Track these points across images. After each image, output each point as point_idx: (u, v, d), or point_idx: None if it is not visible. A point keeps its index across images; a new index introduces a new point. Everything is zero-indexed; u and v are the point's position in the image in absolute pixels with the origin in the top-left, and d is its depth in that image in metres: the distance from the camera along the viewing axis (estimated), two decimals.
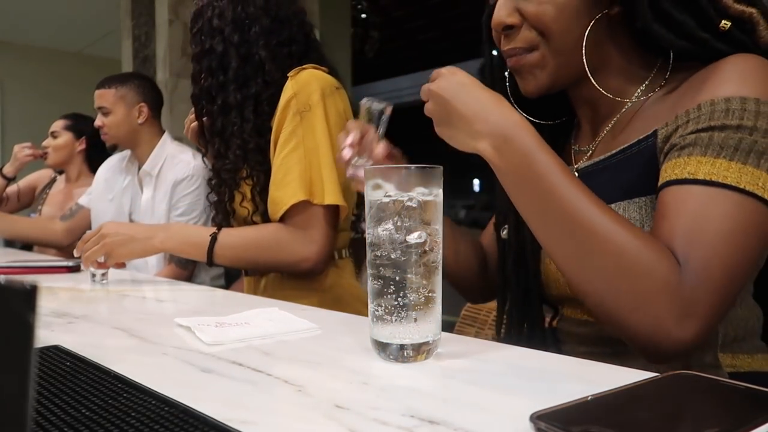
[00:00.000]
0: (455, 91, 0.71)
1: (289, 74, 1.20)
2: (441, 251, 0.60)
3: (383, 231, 0.58)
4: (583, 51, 0.75)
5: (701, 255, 0.62)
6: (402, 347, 0.59)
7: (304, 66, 1.21)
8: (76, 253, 1.23)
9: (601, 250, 0.63)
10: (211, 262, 1.19)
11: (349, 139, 0.83)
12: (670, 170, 0.68)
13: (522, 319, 0.89)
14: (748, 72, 0.68)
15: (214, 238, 1.18)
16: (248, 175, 1.24)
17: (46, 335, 0.76)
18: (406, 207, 0.57)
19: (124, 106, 1.99)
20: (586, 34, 0.75)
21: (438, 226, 0.60)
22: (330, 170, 1.15)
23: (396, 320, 0.58)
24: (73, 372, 0.58)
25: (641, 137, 0.75)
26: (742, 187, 0.63)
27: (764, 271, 0.78)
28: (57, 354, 0.65)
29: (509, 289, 0.91)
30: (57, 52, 6.04)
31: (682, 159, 0.67)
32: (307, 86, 1.18)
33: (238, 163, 1.24)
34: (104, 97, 1.99)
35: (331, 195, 1.15)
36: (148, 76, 2.57)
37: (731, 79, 0.68)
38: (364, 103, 1.18)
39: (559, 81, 0.79)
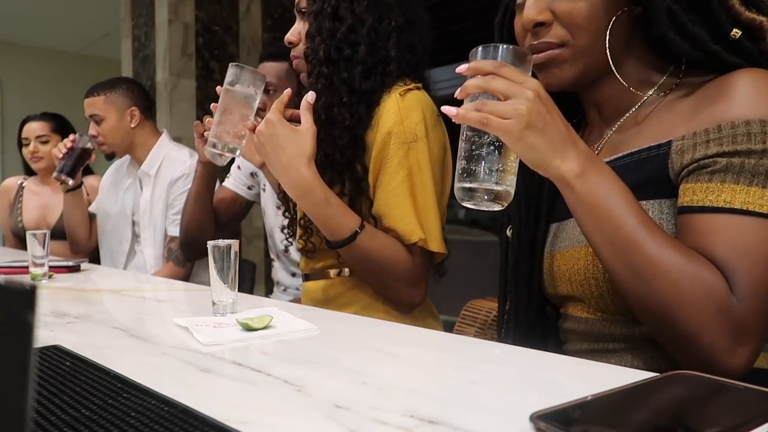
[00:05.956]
0: (553, 105, 0.68)
1: (399, 91, 1.08)
2: None
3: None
4: (607, 46, 0.78)
5: (748, 281, 0.65)
6: (488, 191, 0.69)
7: (409, 86, 1.10)
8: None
9: (658, 279, 0.65)
10: (332, 247, 1.08)
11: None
12: (701, 194, 0.69)
13: (524, 319, 0.89)
14: (761, 91, 0.70)
15: (354, 235, 1.05)
16: (337, 181, 1.11)
17: (46, 335, 0.76)
18: None
19: (116, 112, 1.96)
20: (608, 31, 0.77)
21: None
22: (434, 213, 1.08)
23: (485, 171, 0.69)
24: (73, 372, 0.58)
25: (653, 144, 0.77)
26: None
27: None
28: (57, 354, 0.65)
29: (510, 289, 0.91)
30: (57, 52, 6.04)
31: (714, 185, 0.69)
32: (413, 113, 1.07)
33: (334, 157, 1.09)
34: (94, 104, 1.96)
35: (435, 242, 1.07)
36: (134, 79, 2.54)
37: (747, 99, 0.70)
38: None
39: (582, 78, 0.81)
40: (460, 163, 0.70)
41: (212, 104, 1.21)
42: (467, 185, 0.69)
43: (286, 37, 1.18)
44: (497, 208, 0.70)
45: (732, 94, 0.72)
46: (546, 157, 0.67)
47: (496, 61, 0.68)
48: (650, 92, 0.81)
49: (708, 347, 0.64)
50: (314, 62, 1.11)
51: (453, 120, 0.68)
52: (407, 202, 1.06)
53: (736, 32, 0.74)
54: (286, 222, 1.30)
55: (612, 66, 0.79)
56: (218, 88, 1.20)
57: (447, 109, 0.68)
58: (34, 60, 5.92)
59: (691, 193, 0.70)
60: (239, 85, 1.17)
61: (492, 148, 0.69)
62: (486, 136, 0.69)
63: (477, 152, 0.69)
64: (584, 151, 0.69)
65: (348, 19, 1.09)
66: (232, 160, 1.62)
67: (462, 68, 0.69)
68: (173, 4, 3.33)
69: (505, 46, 0.70)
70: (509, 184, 0.70)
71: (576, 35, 0.78)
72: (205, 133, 1.33)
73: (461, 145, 0.71)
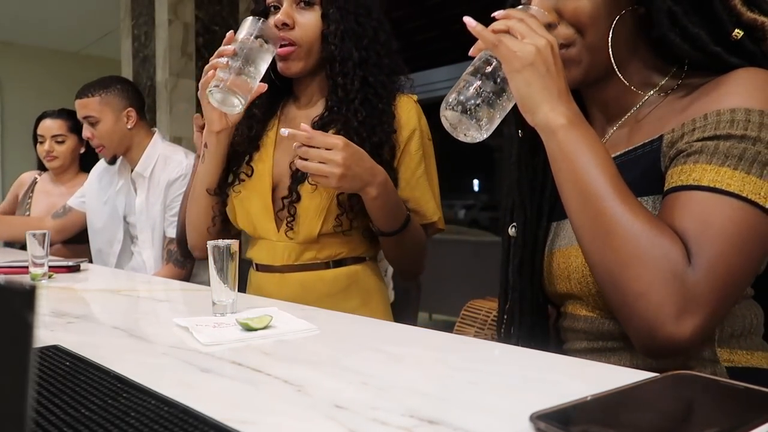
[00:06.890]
0: (561, 64, 0.73)
1: (414, 98, 1.26)
2: None
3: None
4: (610, 45, 0.79)
5: (707, 253, 0.65)
6: (471, 113, 0.73)
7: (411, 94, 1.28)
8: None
9: (618, 236, 0.67)
10: (388, 234, 1.16)
11: None
12: (676, 176, 0.70)
13: (525, 318, 0.89)
14: (754, 85, 0.71)
15: (409, 217, 1.18)
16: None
17: (46, 335, 0.76)
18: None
19: (112, 113, 1.92)
20: (612, 30, 0.79)
21: None
22: (439, 199, 1.29)
23: (477, 95, 0.74)
24: (73, 372, 0.58)
25: (647, 140, 0.78)
26: (744, 195, 0.66)
27: (764, 272, 0.79)
28: (56, 354, 0.65)
29: (512, 288, 0.91)
30: (57, 52, 6.03)
31: (687, 166, 0.70)
32: (424, 116, 1.26)
33: (386, 143, 1.19)
34: (89, 106, 1.91)
35: (442, 221, 1.29)
36: (126, 78, 2.52)
37: (737, 92, 0.71)
38: None
39: (588, 77, 0.82)
40: (458, 82, 0.75)
41: (222, 47, 1.08)
42: (453, 98, 0.74)
43: (281, 18, 1.15)
44: (469, 136, 0.74)
45: (724, 89, 0.72)
46: (537, 99, 0.72)
47: (527, 12, 0.75)
48: (651, 92, 0.82)
49: (654, 309, 0.64)
50: (349, 63, 1.17)
51: (470, 30, 0.73)
52: (428, 189, 1.25)
53: (737, 33, 0.74)
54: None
55: (615, 66, 0.79)
56: (230, 33, 1.11)
57: (468, 20, 0.74)
58: (34, 60, 5.91)
59: (669, 178, 0.72)
60: (260, 40, 1.08)
61: (492, 79, 0.74)
62: (491, 68, 0.74)
63: (477, 77, 0.74)
64: (575, 110, 0.73)
65: (369, 31, 1.21)
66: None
67: (498, 13, 0.76)
68: (173, 4, 3.34)
69: (541, 10, 0.78)
70: (490, 119, 0.75)
71: (583, 33, 0.79)
72: (204, 79, 1.11)
73: (468, 70, 0.76)
